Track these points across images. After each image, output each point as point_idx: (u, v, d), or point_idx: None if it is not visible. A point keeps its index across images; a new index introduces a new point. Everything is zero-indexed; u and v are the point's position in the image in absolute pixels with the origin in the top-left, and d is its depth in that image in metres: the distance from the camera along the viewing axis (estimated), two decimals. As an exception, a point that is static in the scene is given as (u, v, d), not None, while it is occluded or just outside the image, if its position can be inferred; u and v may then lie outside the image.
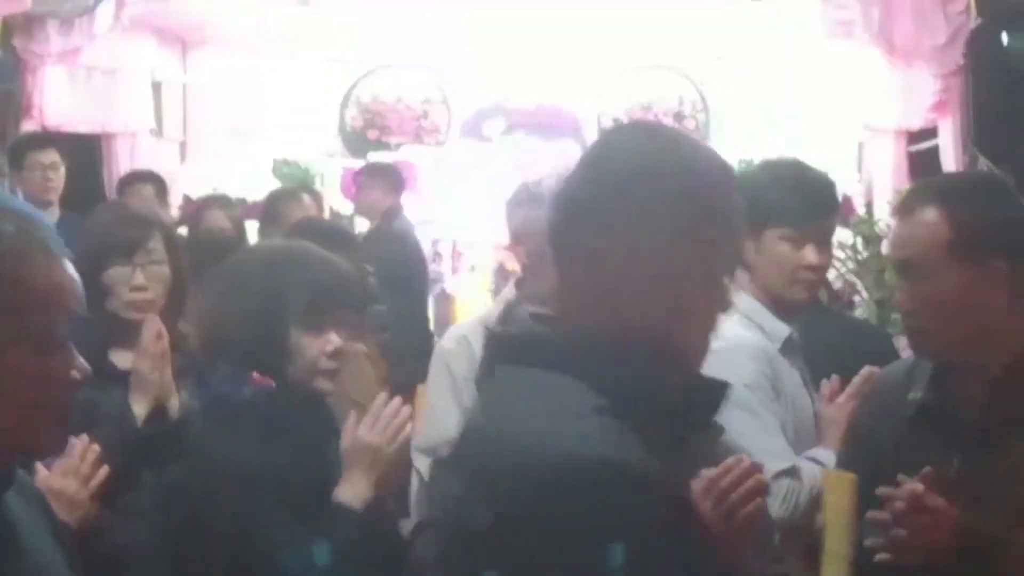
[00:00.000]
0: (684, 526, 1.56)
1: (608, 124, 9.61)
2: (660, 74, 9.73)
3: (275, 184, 8.20)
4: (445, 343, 3.67)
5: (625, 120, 9.50)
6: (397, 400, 2.56)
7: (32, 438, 1.70)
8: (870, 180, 8.29)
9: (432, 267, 8.51)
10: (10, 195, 5.32)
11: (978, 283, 2.44)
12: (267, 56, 9.58)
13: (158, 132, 8.93)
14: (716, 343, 1.72)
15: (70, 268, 1.76)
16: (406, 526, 3.55)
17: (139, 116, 8.52)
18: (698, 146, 1.76)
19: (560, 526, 1.46)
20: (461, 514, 1.59)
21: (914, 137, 7.84)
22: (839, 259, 6.43)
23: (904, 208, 2.56)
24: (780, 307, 3.10)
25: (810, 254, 3.07)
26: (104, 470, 2.66)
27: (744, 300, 2.99)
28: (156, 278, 3.23)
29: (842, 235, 6.34)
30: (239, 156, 9.01)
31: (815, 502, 2.77)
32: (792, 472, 2.85)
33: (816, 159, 4.18)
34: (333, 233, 4.29)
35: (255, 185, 8.29)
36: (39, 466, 2.50)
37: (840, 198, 3.47)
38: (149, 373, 3.05)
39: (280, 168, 8.94)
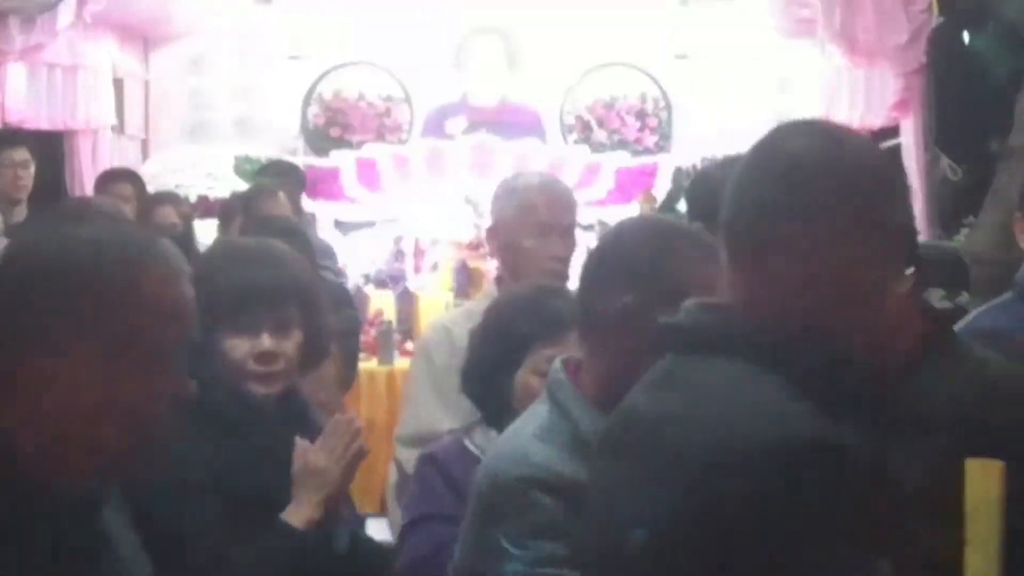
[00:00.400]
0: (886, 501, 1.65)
1: (571, 122, 9.65)
2: (623, 72, 9.74)
3: (237, 181, 8.17)
4: (426, 333, 3.67)
5: (588, 119, 9.56)
6: (349, 416, 2.55)
7: (129, 454, 1.62)
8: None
9: (395, 265, 8.50)
10: None
11: None
12: (229, 54, 9.55)
13: (120, 129, 8.88)
14: None
15: (189, 287, 1.70)
16: (380, 525, 3.58)
17: (101, 113, 8.45)
18: (864, 139, 1.91)
19: (777, 506, 1.51)
20: (652, 504, 1.61)
21: (876, 136, 7.88)
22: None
23: None
24: None
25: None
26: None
27: None
28: None
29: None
30: (201, 153, 8.95)
31: None
32: None
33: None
34: (286, 231, 4.29)
35: (217, 183, 8.27)
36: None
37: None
38: None
39: (242, 165, 8.86)
